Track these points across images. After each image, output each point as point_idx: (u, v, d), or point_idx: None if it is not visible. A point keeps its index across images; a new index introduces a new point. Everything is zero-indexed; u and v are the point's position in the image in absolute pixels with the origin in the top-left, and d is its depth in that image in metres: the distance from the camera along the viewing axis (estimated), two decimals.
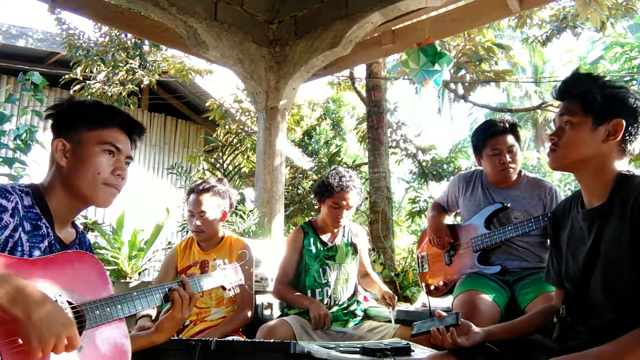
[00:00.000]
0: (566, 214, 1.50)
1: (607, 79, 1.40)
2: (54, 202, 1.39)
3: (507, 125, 2.51)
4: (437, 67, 3.32)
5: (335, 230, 2.74)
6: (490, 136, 2.50)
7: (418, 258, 2.86)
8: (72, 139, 1.40)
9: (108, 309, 1.33)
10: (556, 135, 1.39)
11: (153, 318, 2.43)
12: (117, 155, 1.43)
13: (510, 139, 2.50)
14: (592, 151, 1.34)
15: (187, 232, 4.89)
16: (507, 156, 2.47)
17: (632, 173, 1.32)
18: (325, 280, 2.65)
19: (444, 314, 1.54)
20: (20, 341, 1.12)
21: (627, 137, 1.33)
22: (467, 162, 8.67)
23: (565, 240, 1.48)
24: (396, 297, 2.63)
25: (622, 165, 1.35)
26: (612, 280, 1.28)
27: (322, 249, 2.70)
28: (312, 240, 2.70)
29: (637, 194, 1.24)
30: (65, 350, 1.14)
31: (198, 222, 2.53)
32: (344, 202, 2.60)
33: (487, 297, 2.25)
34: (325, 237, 2.73)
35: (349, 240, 2.78)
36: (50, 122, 1.45)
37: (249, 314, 2.51)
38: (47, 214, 1.36)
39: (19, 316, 1.09)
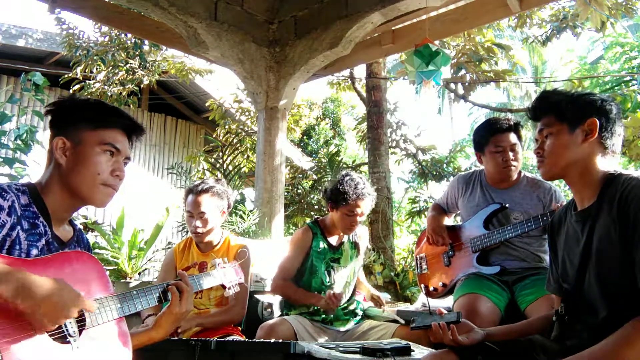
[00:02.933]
0: (562, 221, 1.55)
1: (572, 90, 1.56)
2: (51, 200, 1.39)
3: (511, 124, 2.51)
4: (432, 67, 3.31)
5: (346, 234, 2.72)
6: (494, 133, 2.50)
7: (417, 260, 2.85)
8: (73, 138, 1.40)
9: (107, 308, 1.33)
10: (540, 149, 1.49)
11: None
12: (117, 156, 1.43)
13: (513, 137, 2.50)
14: (576, 153, 1.42)
15: (187, 232, 4.89)
16: (510, 154, 2.47)
17: (618, 172, 1.37)
18: (329, 283, 2.64)
19: (445, 311, 1.55)
20: (21, 334, 1.13)
21: (604, 134, 1.41)
22: (467, 162, 8.67)
23: (561, 245, 1.51)
24: (382, 297, 2.71)
25: (608, 164, 1.42)
26: (605, 277, 1.31)
27: (328, 251, 2.69)
28: (320, 241, 2.68)
29: (622, 191, 1.29)
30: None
31: (198, 223, 2.51)
32: (359, 210, 2.57)
33: (487, 300, 2.25)
34: (332, 240, 2.72)
35: (353, 241, 2.77)
36: (49, 118, 1.45)
37: (240, 312, 2.49)
38: (45, 212, 1.36)
39: (27, 308, 1.12)
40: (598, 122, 1.40)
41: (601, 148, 1.41)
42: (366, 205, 2.60)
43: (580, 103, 1.45)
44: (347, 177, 2.62)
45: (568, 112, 1.44)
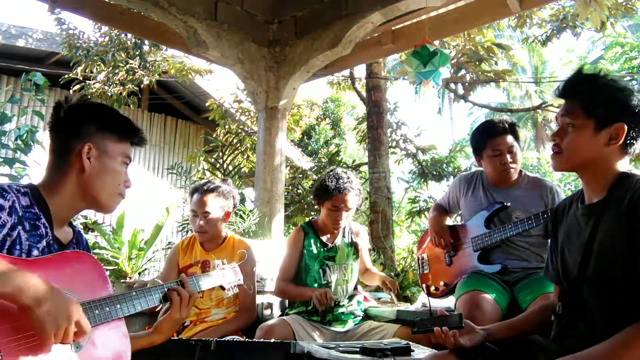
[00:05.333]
0: (566, 210, 1.51)
1: (610, 78, 1.40)
2: (57, 202, 1.38)
3: (507, 126, 2.51)
4: (430, 67, 3.31)
5: (335, 231, 2.73)
6: (490, 137, 2.50)
7: (418, 260, 2.86)
8: (99, 146, 1.42)
9: (107, 309, 1.33)
10: (558, 136, 1.41)
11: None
12: (127, 167, 1.49)
13: (510, 139, 2.50)
14: (594, 154, 1.35)
15: (187, 232, 4.89)
16: (508, 156, 2.47)
17: (631, 172, 1.34)
18: (326, 281, 2.64)
19: (447, 313, 1.54)
20: (21, 338, 1.12)
21: (628, 141, 1.34)
22: (467, 162, 8.66)
23: (562, 233, 1.49)
24: (396, 282, 2.62)
25: (623, 164, 1.37)
26: (606, 274, 1.29)
27: (322, 249, 2.69)
28: (312, 240, 2.70)
29: (633, 191, 1.26)
30: (76, 336, 1.19)
31: (202, 223, 2.51)
32: (342, 205, 2.58)
33: (489, 297, 2.25)
34: (325, 238, 2.73)
35: (350, 240, 2.77)
36: (70, 117, 1.43)
37: (252, 316, 2.52)
38: (47, 214, 1.36)
39: (30, 306, 1.12)
40: (627, 128, 1.31)
41: (621, 152, 1.35)
42: (350, 200, 2.59)
43: (614, 102, 1.33)
44: (331, 172, 2.64)
45: (598, 109, 1.33)
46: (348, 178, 2.60)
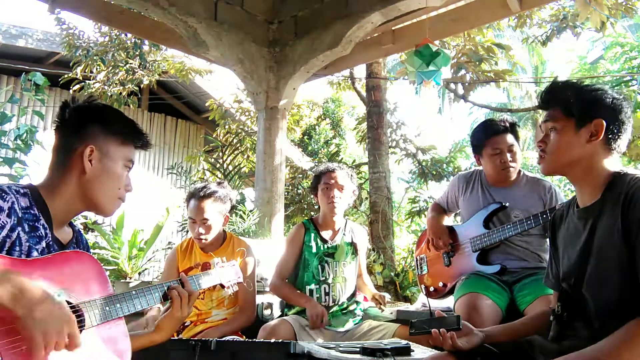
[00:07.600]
0: (563, 217, 1.53)
1: (584, 83, 1.48)
2: (57, 203, 1.38)
3: (508, 125, 2.51)
4: (432, 67, 3.32)
5: (334, 219, 2.72)
6: (490, 136, 2.50)
7: (417, 260, 2.85)
8: (101, 148, 1.41)
9: (107, 308, 1.33)
10: (543, 142, 1.46)
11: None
12: (130, 171, 1.49)
13: (511, 138, 2.50)
14: (578, 153, 1.38)
15: (187, 232, 4.89)
16: (508, 155, 2.47)
17: (623, 172, 1.35)
18: (324, 278, 2.65)
19: (444, 314, 1.54)
20: (19, 339, 1.12)
21: (610, 136, 1.37)
22: (467, 162, 8.66)
23: (562, 241, 1.50)
24: (385, 297, 2.70)
25: (612, 163, 1.39)
26: (605, 275, 1.30)
27: (322, 246, 2.70)
28: (312, 236, 2.71)
29: (627, 191, 1.27)
30: (67, 348, 1.16)
31: (201, 230, 2.49)
32: (333, 181, 2.68)
33: (488, 299, 2.25)
34: (326, 235, 2.73)
35: (350, 240, 2.78)
36: (74, 118, 1.42)
37: (251, 315, 2.52)
38: (46, 215, 1.36)
39: (21, 314, 1.10)
40: (605, 123, 1.35)
41: (606, 149, 1.38)
42: (341, 176, 2.71)
43: (589, 101, 1.39)
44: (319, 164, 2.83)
45: (576, 109, 1.39)
46: (337, 164, 2.81)
